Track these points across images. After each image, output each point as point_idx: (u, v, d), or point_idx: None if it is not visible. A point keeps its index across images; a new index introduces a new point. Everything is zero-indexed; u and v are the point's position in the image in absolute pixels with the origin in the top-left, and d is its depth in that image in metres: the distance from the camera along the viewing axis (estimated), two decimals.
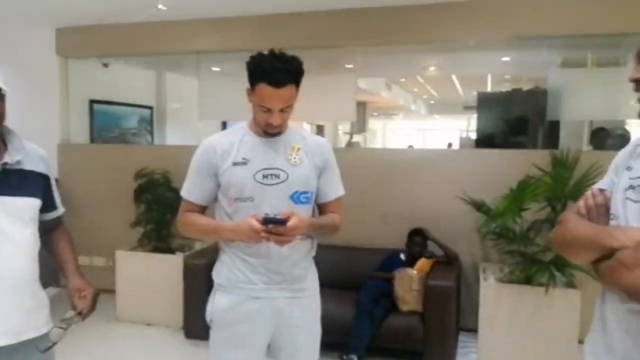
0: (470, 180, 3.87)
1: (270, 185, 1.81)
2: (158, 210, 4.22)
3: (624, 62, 5.03)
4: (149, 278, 4.12)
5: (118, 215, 4.51)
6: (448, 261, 3.73)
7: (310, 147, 1.90)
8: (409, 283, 3.43)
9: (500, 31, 4.08)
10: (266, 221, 1.68)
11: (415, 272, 3.51)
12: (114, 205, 4.69)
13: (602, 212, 1.23)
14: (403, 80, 10.79)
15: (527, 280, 3.31)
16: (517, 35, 4.07)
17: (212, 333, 1.91)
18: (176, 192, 4.23)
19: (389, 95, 11.15)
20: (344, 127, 12.30)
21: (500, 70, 7.53)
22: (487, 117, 5.48)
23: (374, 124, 15.77)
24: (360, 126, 10.86)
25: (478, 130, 5.71)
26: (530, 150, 4.48)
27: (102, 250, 4.73)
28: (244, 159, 1.83)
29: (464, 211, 3.67)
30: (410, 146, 12.45)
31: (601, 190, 1.27)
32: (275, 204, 1.79)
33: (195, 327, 3.77)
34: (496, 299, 3.39)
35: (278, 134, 1.86)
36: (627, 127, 5.09)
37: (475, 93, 6.77)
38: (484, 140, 5.29)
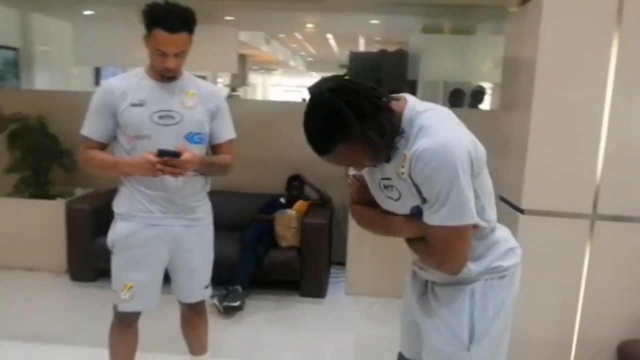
0: None
1: (165, 126, 2.01)
2: (35, 157, 4.12)
3: (474, 31, 5.77)
4: (29, 224, 4.04)
5: None
6: (322, 203, 4.19)
7: (204, 93, 2.11)
8: (288, 222, 3.82)
9: None
10: (161, 153, 1.89)
11: (293, 212, 3.90)
12: None
13: (367, 192, 1.53)
14: (282, 36, 11.00)
15: None
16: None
17: (113, 257, 2.10)
18: (53, 138, 4.19)
19: (269, 49, 11.30)
20: (223, 80, 12.26)
21: (371, 32, 8.04)
22: (357, 74, 5.91)
23: (254, 78, 15.82)
24: (240, 79, 10.92)
25: None
26: None
27: None
28: (140, 100, 1.99)
29: None
30: (304, 99, 12.78)
31: (355, 176, 1.58)
32: (170, 142, 1.98)
33: (81, 269, 3.87)
34: (361, 235, 3.87)
35: (173, 78, 2.04)
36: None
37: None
38: None
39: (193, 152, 1.98)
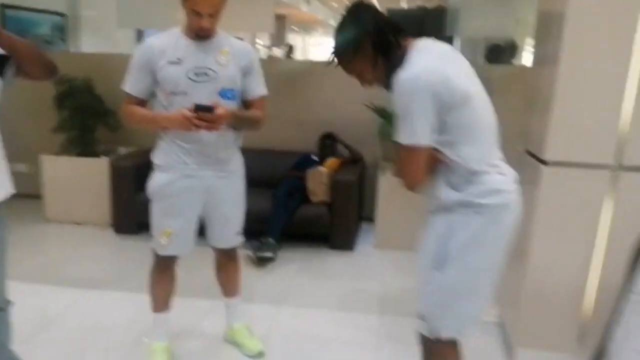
0: (377, 90, 4.30)
1: (200, 83, 2.11)
2: (81, 117, 4.32)
3: None
4: (76, 180, 4.32)
5: (38, 122, 4.59)
6: (354, 161, 4.27)
7: (236, 51, 2.20)
8: (319, 178, 3.93)
9: None
10: (197, 108, 2.00)
11: (325, 169, 4.00)
12: (32, 111, 4.72)
13: None
14: None
15: None
16: None
17: (152, 205, 2.26)
18: (98, 99, 4.39)
19: (308, 9, 11.22)
20: (262, 41, 12.29)
21: None
22: None
23: (293, 38, 15.74)
24: (279, 40, 10.93)
25: None
26: None
27: (22, 157, 4.76)
28: (178, 58, 2.10)
29: (369, 118, 4.14)
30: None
31: None
32: (205, 98, 2.08)
33: (124, 223, 4.12)
34: (390, 191, 3.95)
35: (208, 37, 2.13)
36: None
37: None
38: None
39: (226, 107, 2.09)
